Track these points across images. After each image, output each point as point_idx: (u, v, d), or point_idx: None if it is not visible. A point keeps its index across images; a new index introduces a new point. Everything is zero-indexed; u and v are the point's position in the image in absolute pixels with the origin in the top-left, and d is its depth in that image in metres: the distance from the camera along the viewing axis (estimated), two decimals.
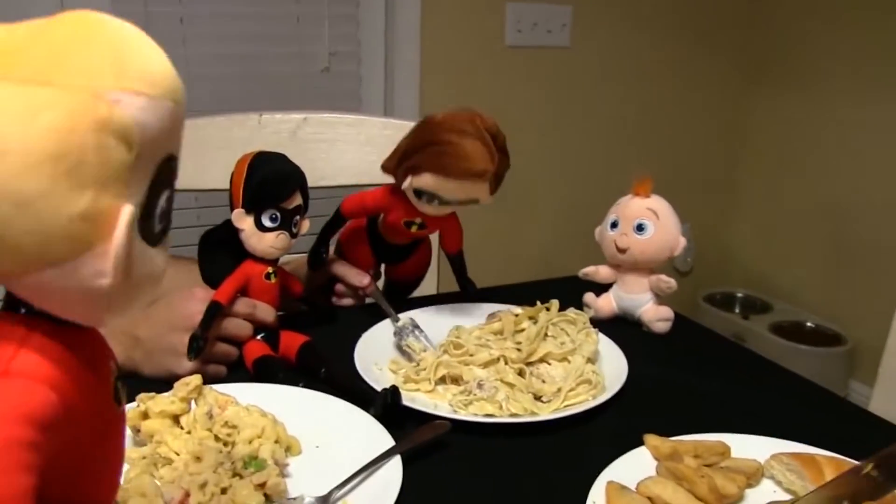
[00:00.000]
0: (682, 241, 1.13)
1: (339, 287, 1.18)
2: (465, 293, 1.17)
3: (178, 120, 0.36)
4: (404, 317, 1.07)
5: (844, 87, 2.75)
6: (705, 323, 1.21)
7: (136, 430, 0.77)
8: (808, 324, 2.91)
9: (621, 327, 1.14)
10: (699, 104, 2.99)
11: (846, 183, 2.78)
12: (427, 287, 1.43)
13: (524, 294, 1.12)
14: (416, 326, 1.04)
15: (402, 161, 1.00)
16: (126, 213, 0.33)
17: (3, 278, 0.34)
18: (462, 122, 0.96)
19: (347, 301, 1.19)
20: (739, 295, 3.18)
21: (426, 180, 0.98)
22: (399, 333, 1.03)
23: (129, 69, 0.34)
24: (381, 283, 1.24)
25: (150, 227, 0.37)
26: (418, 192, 1.00)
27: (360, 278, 1.13)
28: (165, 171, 0.36)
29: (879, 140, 2.65)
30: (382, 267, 1.22)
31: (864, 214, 2.73)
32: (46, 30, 0.33)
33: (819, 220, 2.90)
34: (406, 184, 1.00)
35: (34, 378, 0.34)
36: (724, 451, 0.78)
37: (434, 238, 1.22)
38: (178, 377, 0.81)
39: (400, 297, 1.21)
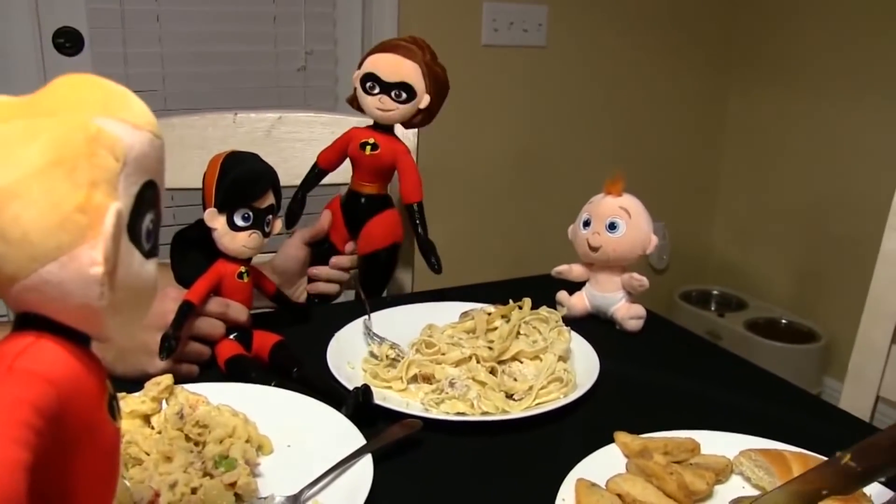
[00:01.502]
0: (654, 240, 1.14)
1: (313, 270, 1.21)
2: (424, 255, 1.17)
3: (158, 150, 0.43)
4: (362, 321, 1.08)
5: (822, 87, 2.77)
6: (681, 320, 1.22)
7: None
8: (783, 321, 2.93)
9: (594, 325, 1.14)
10: (677, 103, 3.01)
11: (821, 182, 2.81)
12: (402, 286, 1.44)
13: (497, 292, 1.13)
14: (369, 329, 1.05)
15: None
16: (114, 206, 0.40)
17: (9, 283, 0.39)
18: (401, 37, 1.19)
19: (322, 287, 1.20)
20: (715, 292, 3.20)
21: (366, 62, 1.16)
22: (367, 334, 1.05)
23: (114, 105, 0.42)
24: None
25: (139, 239, 0.42)
26: (363, 83, 1.15)
27: (323, 221, 1.22)
28: (149, 193, 0.43)
29: (855, 139, 2.68)
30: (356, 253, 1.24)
31: (838, 212, 2.76)
32: (51, 87, 0.42)
33: (794, 218, 2.92)
34: (353, 77, 1.17)
35: (34, 373, 0.38)
36: (694, 448, 0.79)
37: (406, 229, 1.22)
38: (150, 376, 0.81)
39: (374, 282, 1.22)
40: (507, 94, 2.67)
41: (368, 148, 1.18)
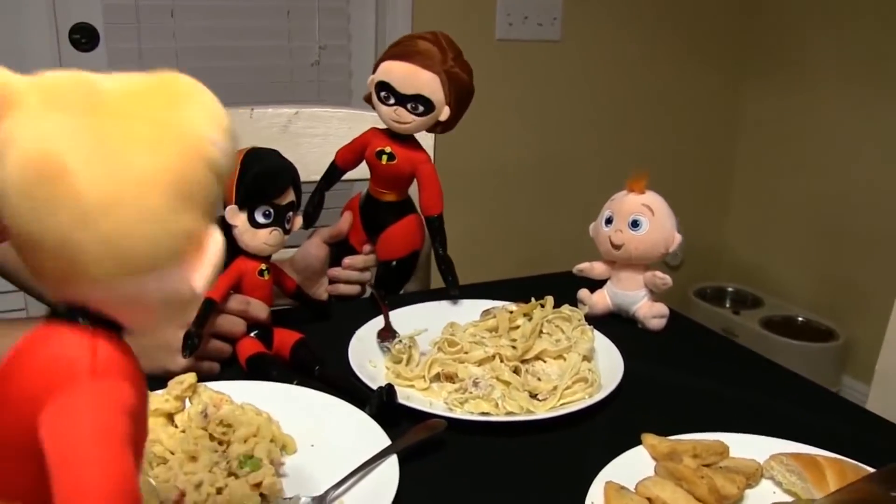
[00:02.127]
0: (678, 238, 1.12)
1: (333, 271, 1.18)
2: (442, 273, 1.14)
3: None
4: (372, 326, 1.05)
5: (837, 83, 2.74)
6: (695, 318, 1.20)
7: None
8: (800, 319, 2.90)
9: (616, 324, 1.13)
10: (692, 98, 2.99)
11: (839, 176, 2.78)
12: (421, 282, 1.43)
13: (518, 289, 1.12)
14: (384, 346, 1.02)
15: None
16: (218, 234, 0.41)
17: (86, 282, 0.38)
18: (423, 32, 1.11)
19: (342, 288, 1.18)
20: (730, 289, 3.18)
21: (381, 69, 1.09)
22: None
23: (219, 122, 0.41)
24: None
25: None
26: (378, 91, 1.09)
27: (343, 223, 1.19)
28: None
29: (872, 134, 2.65)
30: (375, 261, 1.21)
31: (856, 208, 2.73)
32: (154, 84, 0.41)
33: (811, 214, 2.90)
34: (368, 81, 1.10)
35: (118, 376, 0.39)
36: (723, 451, 0.78)
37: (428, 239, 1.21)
38: (172, 374, 0.81)
39: (392, 284, 1.20)
40: (522, 89, 2.66)
41: (385, 157, 1.13)
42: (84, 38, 2.09)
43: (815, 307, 2.92)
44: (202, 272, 0.40)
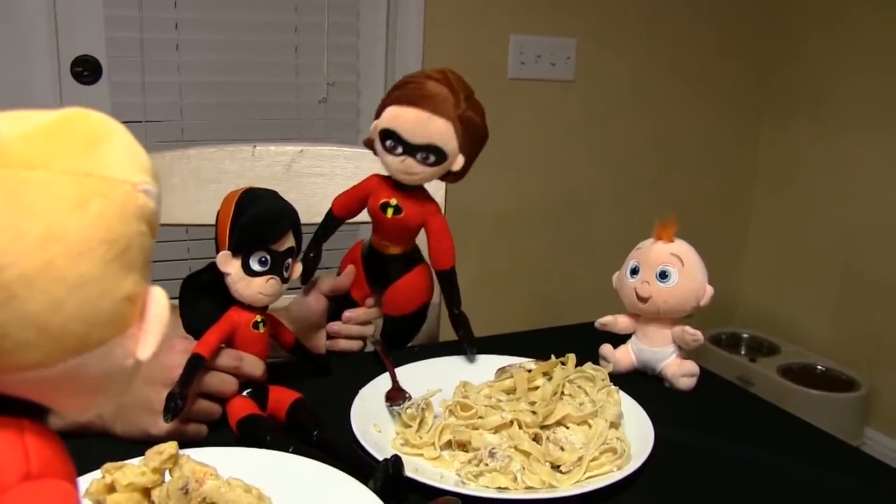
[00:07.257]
0: (709, 290, 1.04)
1: (333, 325, 1.10)
2: (456, 331, 1.05)
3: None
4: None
5: (855, 125, 2.68)
6: (710, 365, 1.12)
7: None
8: (819, 367, 2.80)
9: (640, 382, 1.04)
10: (708, 140, 2.92)
11: (859, 219, 2.70)
12: (430, 334, 1.34)
13: (534, 343, 1.04)
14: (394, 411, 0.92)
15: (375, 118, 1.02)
16: (163, 294, 0.35)
17: (22, 371, 0.32)
18: (430, 70, 1.00)
19: (342, 344, 1.09)
20: (745, 335, 3.08)
21: (386, 115, 0.98)
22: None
23: (143, 164, 0.35)
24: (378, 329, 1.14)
25: None
26: (383, 139, 0.99)
27: (345, 278, 1.10)
28: None
29: (892, 177, 2.58)
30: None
31: (876, 252, 2.64)
32: (65, 125, 0.34)
33: (829, 258, 2.81)
34: (371, 127, 1.00)
35: (56, 474, 0.34)
36: None
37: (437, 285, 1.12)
38: (152, 437, 0.72)
39: (399, 339, 1.12)
40: (535, 130, 2.59)
41: (391, 210, 1.02)
42: (86, 71, 2.04)
43: (835, 355, 2.81)
44: (147, 341, 0.34)
